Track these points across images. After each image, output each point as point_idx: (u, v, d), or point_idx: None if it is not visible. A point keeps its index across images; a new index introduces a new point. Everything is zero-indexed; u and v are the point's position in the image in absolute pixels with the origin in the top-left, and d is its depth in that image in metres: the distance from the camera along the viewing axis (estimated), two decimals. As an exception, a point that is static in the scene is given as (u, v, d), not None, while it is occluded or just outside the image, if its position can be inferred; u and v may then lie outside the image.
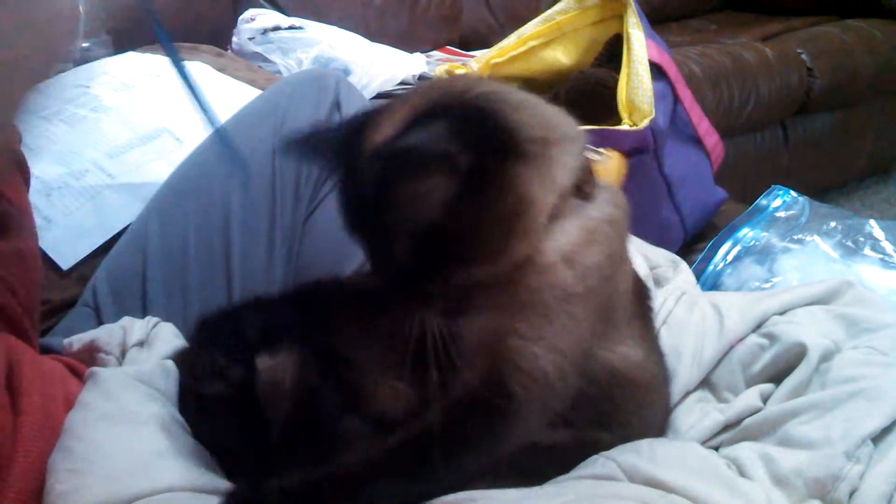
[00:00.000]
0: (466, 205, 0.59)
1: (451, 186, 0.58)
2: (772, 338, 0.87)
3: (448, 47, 2.59)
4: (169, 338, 0.82)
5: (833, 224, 1.25)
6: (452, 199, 0.58)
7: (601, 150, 0.74)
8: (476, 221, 0.60)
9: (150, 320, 0.87)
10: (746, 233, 1.28)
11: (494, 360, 0.64)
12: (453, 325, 0.64)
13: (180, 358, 0.77)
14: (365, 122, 0.65)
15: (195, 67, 1.58)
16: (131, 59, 1.56)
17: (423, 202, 0.58)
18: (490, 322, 0.65)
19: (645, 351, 0.77)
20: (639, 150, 1.26)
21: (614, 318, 0.72)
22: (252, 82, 1.58)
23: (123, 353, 0.82)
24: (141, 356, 0.79)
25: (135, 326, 0.84)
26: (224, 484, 0.64)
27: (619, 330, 0.73)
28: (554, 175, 0.64)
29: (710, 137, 1.43)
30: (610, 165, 1.21)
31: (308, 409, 0.71)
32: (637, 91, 1.25)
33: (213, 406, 0.68)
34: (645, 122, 1.25)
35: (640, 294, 0.82)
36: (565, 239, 0.66)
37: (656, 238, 1.19)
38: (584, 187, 0.68)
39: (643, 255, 1.12)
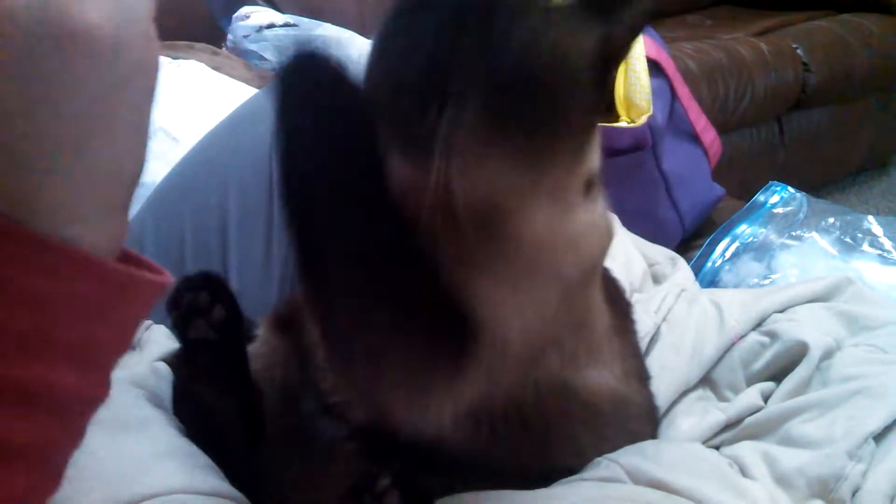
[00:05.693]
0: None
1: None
2: (772, 336, 0.87)
3: (443, 44, 2.58)
4: (161, 340, 0.80)
5: (831, 220, 1.25)
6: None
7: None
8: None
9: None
10: (744, 229, 1.28)
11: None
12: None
13: (173, 359, 0.75)
14: None
15: (190, 66, 1.57)
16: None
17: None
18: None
19: (622, 374, 0.69)
20: (637, 147, 1.26)
21: (587, 336, 0.66)
22: (247, 80, 1.57)
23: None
24: (133, 359, 0.77)
25: (126, 329, 0.82)
26: (222, 485, 0.63)
27: (592, 351, 0.66)
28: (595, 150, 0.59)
29: (708, 134, 1.43)
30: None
31: (291, 408, 0.70)
32: (635, 88, 1.25)
33: (196, 354, 0.66)
34: (643, 119, 1.24)
35: (620, 307, 0.76)
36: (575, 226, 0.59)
37: (654, 235, 1.19)
38: (594, 184, 0.61)
39: (641, 253, 1.12)
